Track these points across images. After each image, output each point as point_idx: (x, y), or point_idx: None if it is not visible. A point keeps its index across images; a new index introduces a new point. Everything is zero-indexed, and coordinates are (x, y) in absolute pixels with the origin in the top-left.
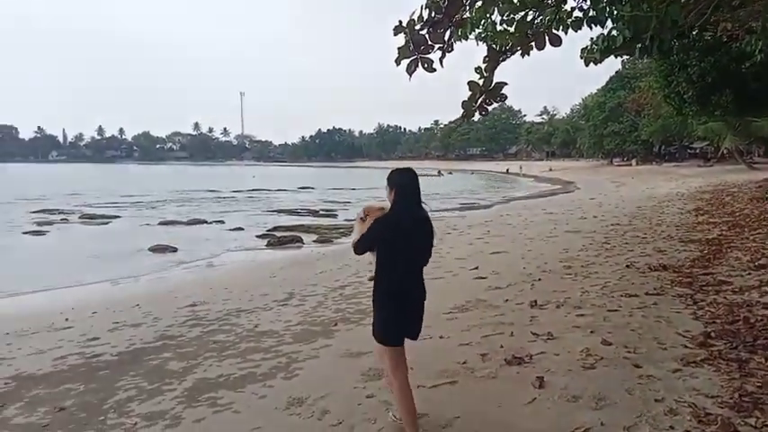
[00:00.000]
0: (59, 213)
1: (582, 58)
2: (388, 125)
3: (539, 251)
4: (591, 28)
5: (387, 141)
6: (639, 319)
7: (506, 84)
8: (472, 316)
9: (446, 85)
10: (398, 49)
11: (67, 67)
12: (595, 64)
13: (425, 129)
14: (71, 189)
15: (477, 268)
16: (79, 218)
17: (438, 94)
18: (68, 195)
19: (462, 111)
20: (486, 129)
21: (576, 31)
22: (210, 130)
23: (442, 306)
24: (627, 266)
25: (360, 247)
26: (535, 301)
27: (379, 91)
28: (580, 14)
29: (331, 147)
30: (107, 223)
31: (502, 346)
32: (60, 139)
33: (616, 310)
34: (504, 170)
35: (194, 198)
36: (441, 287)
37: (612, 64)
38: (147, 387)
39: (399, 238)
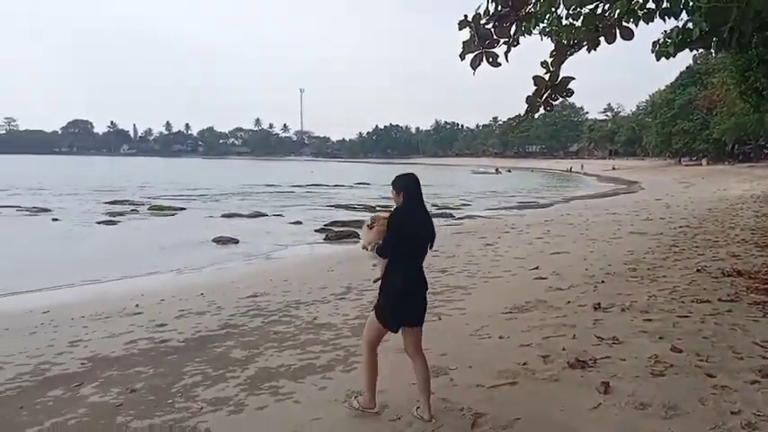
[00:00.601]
0: (130, 204)
1: (653, 52)
2: (445, 122)
3: (602, 252)
4: (664, 20)
5: (443, 138)
6: (712, 327)
7: (573, 78)
8: (532, 317)
9: (506, 82)
10: (463, 43)
11: (138, 66)
12: (667, 58)
13: (483, 125)
14: (141, 181)
15: (537, 268)
16: (148, 209)
17: (497, 91)
18: (138, 187)
19: (526, 106)
20: (547, 126)
21: (648, 24)
22: (271, 126)
23: (500, 305)
24: (697, 271)
25: (385, 250)
26: (599, 304)
27: (436, 87)
28: (653, 6)
29: (387, 143)
30: (174, 215)
31: (564, 349)
32: (131, 133)
33: (686, 316)
34: (566, 169)
35: (255, 192)
36: (499, 286)
37: (683, 59)
38: (212, 373)
39: (406, 235)
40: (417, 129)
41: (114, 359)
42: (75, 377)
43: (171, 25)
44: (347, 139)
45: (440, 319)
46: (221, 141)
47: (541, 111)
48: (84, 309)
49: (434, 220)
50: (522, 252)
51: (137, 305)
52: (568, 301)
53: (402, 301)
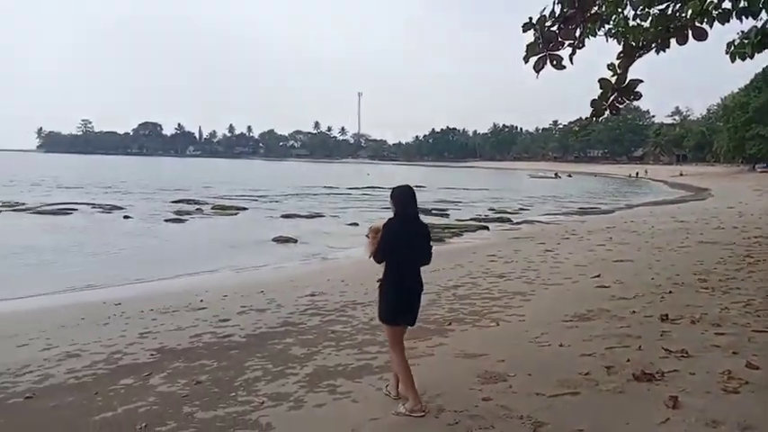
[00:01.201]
0: (195, 204)
1: (728, 53)
2: (503, 125)
3: (669, 261)
4: (741, 20)
5: (501, 141)
6: None
7: (641, 81)
8: (594, 326)
9: (568, 85)
10: (527, 46)
11: (204, 70)
12: (743, 59)
13: (543, 129)
14: (205, 182)
15: (599, 276)
16: (212, 208)
17: (558, 94)
18: (203, 187)
19: (591, 110)
20: (610, 130)
21: (723, 24)
22: (329, 128)
23: (560, 313)
24: None
25: (379, 256)
26: (666, 315)
27: (494, 91)
28: (729, 5)
29: (444, 146)
30: (236, 214)
31: (629, 360)
32: (197, 135)
33: (763, 331)
34: (629, 174)
35: (313, 193)
36: (559, 293)
37: (761, 60)
38: (273, 369)
39: (401, 241)
40: (475, 132)
41: (181, 351)
42: (144, 367)
43: (236, 31)
44: (404, 142)
45: (498, 324)
46: (281, 144)
47: (606, 114)
48: (153, 302)
49: (491, 224)
50: (582, 259)
51: (201, 300)
52: (633, 311)
53: (397, 302)
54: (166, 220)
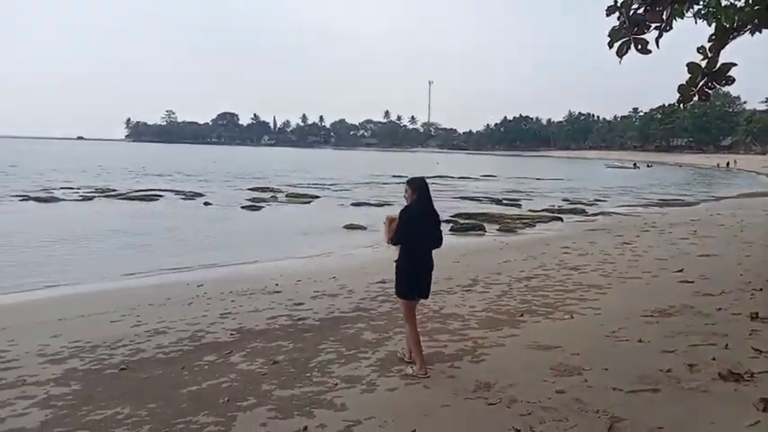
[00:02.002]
0: (270, 191)
1: None
2: (579, 113)
3: (759, 257)
4: None
5: (577, 130)
6: None
7: (734, 65)
8: (676, 322)
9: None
10: (611, 30)
11: (278, 62)
12: None
13: (622, 117)
14: (279, 170)
15: (681, 271)
16: (286, 196)
17: (639, 80)
18: (277, 176)
19: (678, 96)
20: (695, 117)
21: None
22: (399, 117)
23: (638, 307)
24: None
25: (396, 239)
26: (756, 314)
27: (570, 77)
28: None
29: (516, 135)
30: (309, 202)
31: (714, 359)
32: (271, 125)
33: None
34: (717, 164)
35: (382, 182)
36: (638, 287)
37: None
38: (345, 352)
39: (415, 227)
40: (549, 120)
41: (258, 332)
42: (225, 346)
43: (309, 24)
44: (474, 131)
45: (572, 317)
46: (351, 133)
47: (694, 100)
48: (232, 285)
49: (565, 215)
50: (663, 253)
51: (276, 284)
52: (719, 308)
53: (410, 278)
54: (243, 207)
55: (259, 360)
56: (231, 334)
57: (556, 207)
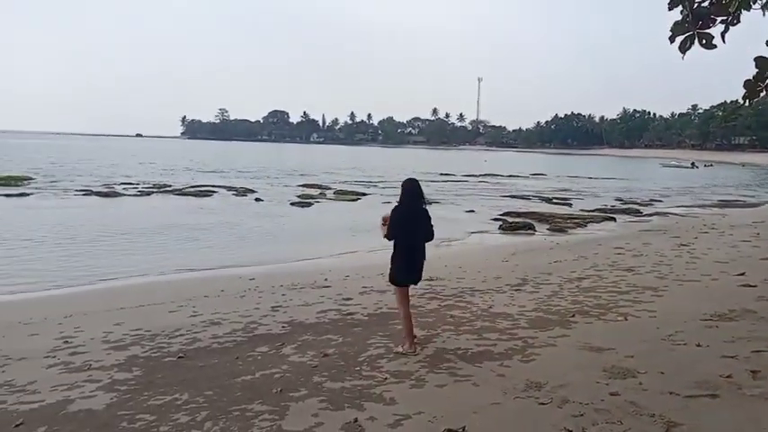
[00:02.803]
0: (319, 188)
1: None
2: (634, 110)
3: None
4: None
5: (631, 128)
6: None
7: None
8: (738, 327)
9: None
10: (674, 24)
11: (327, 60)
12: None
13: (680, 114)
14: (328, 167)
15: (743, 274)
16: (334, 193)
17: (698, 76)
18: (326, 173)
19: (743, 92)
20: (759, 114)
21: None
22: (447, 115)
23: (697, 311)
24: None
25: (390, 235)
26: None
27: (624, 73)
28: None
29: (567, 133)
30: (357, 199)
31: None
32: (320, 123)
33: None
34: None
35: (430, 180)
36: (696, 291)
37: None
38: (394, 348)
39: (403, 222)
40: (602, 118)
41: (309, 325)
42: (277, 338)
43: (358, 22)
44: (524, 128)
45: (626, 319)
46: (399, 131)
47: (762, 96)
48: (282, 279)
49: (618, 215)
50: (724, 255)
51: (325, 279)
52: None
53: (402, 269)
54: (292, 204)
55: (310, 352)
56: (283, 326)
57: (608, 207)
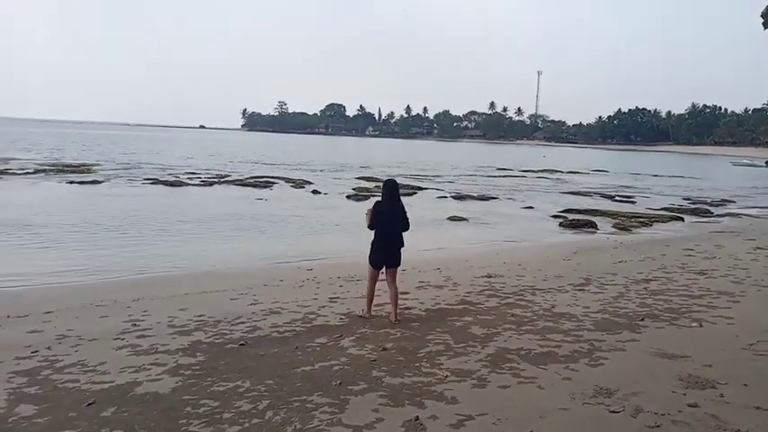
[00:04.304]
0: (374, 182)
1: None
2: (703, 105)
3: None
4: None
5: (700, 124)
6: None
7: None
8: None
9: None
10: (765, 10)
11: (383, 54)
12: None
13: (754, 110)
14: (383, 161)
15: None
16: None
17: None
18: (382, 167)
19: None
20: None
21: None
22: (504, 109)
23: None
24: None
25: (371, 225)
26: None
27: (693, 67)
28: None
29: (631, 128)
30: (414, 193)
31: None
32: (376, 116)
33: None
34: None
35: (486, 175)
36: None
37: None
38: (454, 345)
39: (381, 215)
40: (668, 113)
41: (366, 319)
42: (335, 329)
43: (415, 15)
44: (585, 123)
45: (701, 325)
46: (455, 124)
47: None
48: (339, 270)
49: (686, 215)
50: None
51: (381, 273)
52: None
53: (379, 253)
54: (348, 197)
55: (368, 346)
56: (341, 318)
57: (676, 206)
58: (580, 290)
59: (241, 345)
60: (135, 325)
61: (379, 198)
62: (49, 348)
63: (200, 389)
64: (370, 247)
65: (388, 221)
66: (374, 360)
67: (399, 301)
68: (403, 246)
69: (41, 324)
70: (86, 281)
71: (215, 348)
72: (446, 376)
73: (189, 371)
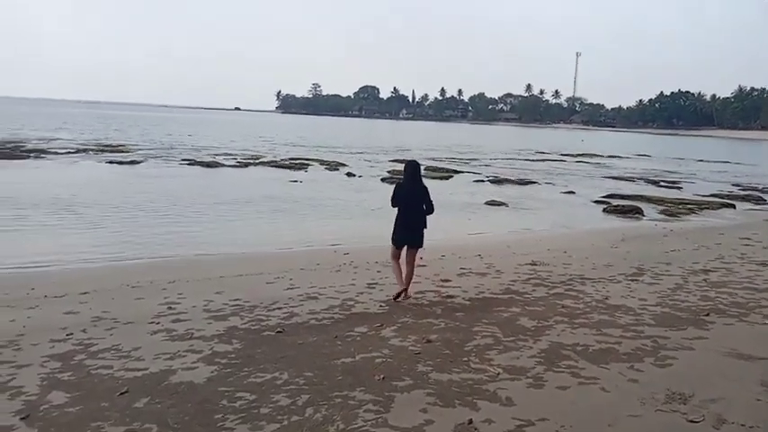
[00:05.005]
0: None
1: None
2: (751, 87)
3: None
4: None
5: (747, 107)
6: None
7: None
8: None
9: None
10: None
11: (418, 33)
12: None
13: None
14: (418, 144)
15: None
16: (425, 170)
17: None
18: (417, 150)
19: None
20: None
21: None
22: (541, 92)
23: None
24: None
25: (393, 204)
26: None
27: (740, 48)
28: None
29: (673, 112)
30: (450, 177)
31: None
32: (410, 99)
33: None
34: None
35: (523, 158)
36: None
37: None
38: (503, 339)
39: (401, 195)
40: (713, 96)
41: (407, 307)
42: (375, 318)
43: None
44: (624, 106)
45: None
46: (490, 107)
47: None
48: (377, 255)
49: (737, 202)
50: None
51: (420, 258)
52: None
53: (400, 231)
54: (383, 180)
55: (411, 337)
56: (380, 306)
57: (725, 192)
58: (633, 280)
59: (278, 332)
60: (170, 308)
61: (401, 178)
62: (84, 331)
63: (236, 380)
64: (393, 225)
65: (410, 201)
66: (418, 353)
67: (441, 289)
68: (426, 227)
69: (78, 305)
70: (123, 262)
71: (251, 335)
72: (498, 373)
73: (225, 359)
